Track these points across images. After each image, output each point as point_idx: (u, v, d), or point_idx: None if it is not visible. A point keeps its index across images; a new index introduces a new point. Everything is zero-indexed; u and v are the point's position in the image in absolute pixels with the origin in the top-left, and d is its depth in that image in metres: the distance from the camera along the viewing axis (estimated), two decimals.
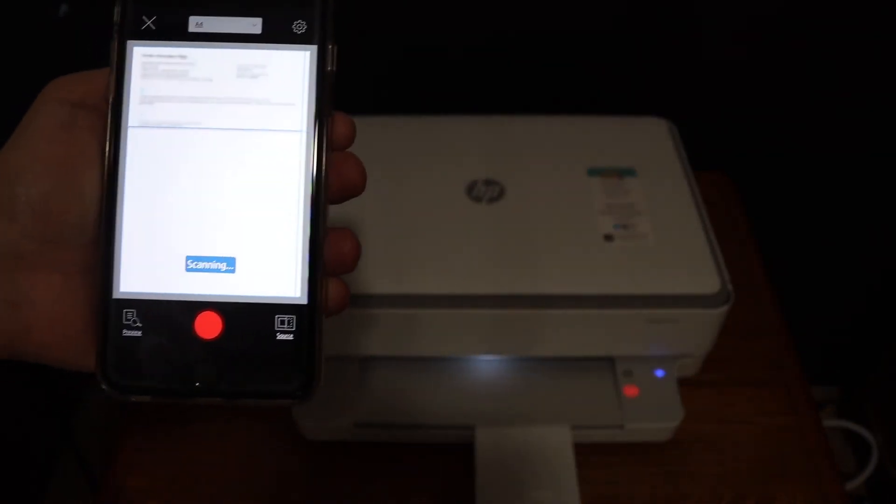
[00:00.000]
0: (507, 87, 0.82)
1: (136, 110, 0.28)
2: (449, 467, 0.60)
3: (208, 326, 0.28)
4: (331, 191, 0.29)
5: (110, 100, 0.28)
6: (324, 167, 0.28)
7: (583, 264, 0.57)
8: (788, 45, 0.78)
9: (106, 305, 0.28)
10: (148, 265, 0.28)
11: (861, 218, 0.92)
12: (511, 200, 0.62)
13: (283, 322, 0.28)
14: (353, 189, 0.29)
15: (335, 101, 0.29)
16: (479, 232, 0.60)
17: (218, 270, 0.28)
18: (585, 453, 0.60)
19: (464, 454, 0.59)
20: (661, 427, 0.60)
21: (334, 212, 0.29)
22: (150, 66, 0.28)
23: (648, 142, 0.68)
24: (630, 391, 0.60)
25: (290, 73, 0.28)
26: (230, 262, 0.28)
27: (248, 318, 0.28)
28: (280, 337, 0.28)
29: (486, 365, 0.63)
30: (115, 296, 0.28)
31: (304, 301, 0.28)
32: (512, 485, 0.57)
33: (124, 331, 0.28)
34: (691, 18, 0.77)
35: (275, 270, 0.28)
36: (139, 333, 0.28)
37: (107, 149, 0.28)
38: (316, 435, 0.61)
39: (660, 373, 0.61)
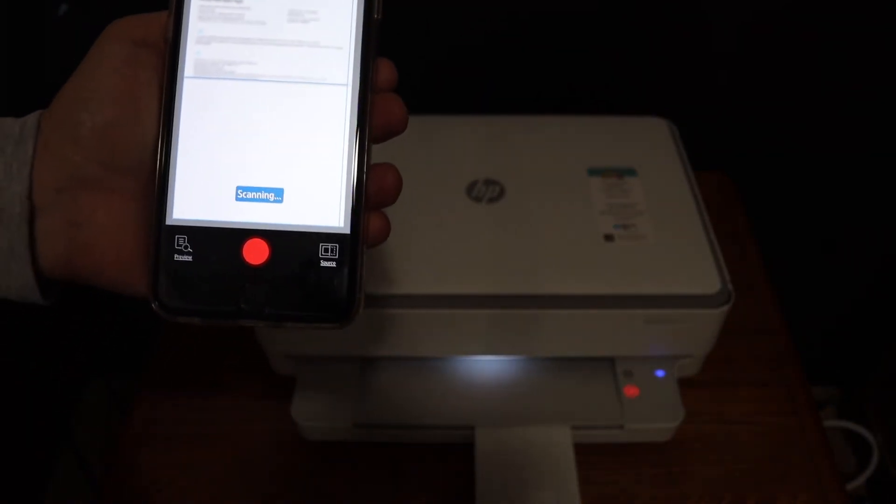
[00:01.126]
0: (508, 86, 0.82)
1: (193, 50, 0.30)
2: (449, 467, 0.60)
3: (256, 253, 0.29)
4: (375, 129, 0.30)
5: (169, 39, 0.30)
6: (368, 106, 0.30)
7: (583, 264, 0.57)
8: (789, 46, 0.78)
9: (159, 231, 0.29)
10: (200, 194, 0.30)
11: (861, 218, 0.92)
12: (511, 200, 0.62)
13: (326, 250, 0.29)
14: (396, 127, 0.31)
15: (380, 48, 0.31)
16: (479, 232, 0.60)
17: (266, 200, 0.30)
18: (585, 453, 0.60)
19: (464, 454, 0.59)
20: (661, 427, 0.60)
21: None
22: (206, 8, 0.30)
23: (648, 142, 0.68)
24: (630, 391, 0.60)
25: (339, 18, 0.30)
26: (278, 193, 0.30)
27: (293, 245, 0.29)
28: (323, 264, 0.29)
29: (486, 365, 0.63)
30: (169, 222, 0.29)
31: (347, 231, 0.30)
32: (512, 485, 0.57)
33: (176, 255, 0.29)
34: (692, 18, 0.77)
35: (320, 202, 0.30)
36: (190, 258, 0.29)
37: (165, 84, 0.30)
38: (316, 435, 0.61)
39: (660, 373, 0.61)
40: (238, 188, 0.30)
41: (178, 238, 0.29)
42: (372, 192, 0.30)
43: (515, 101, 0.82)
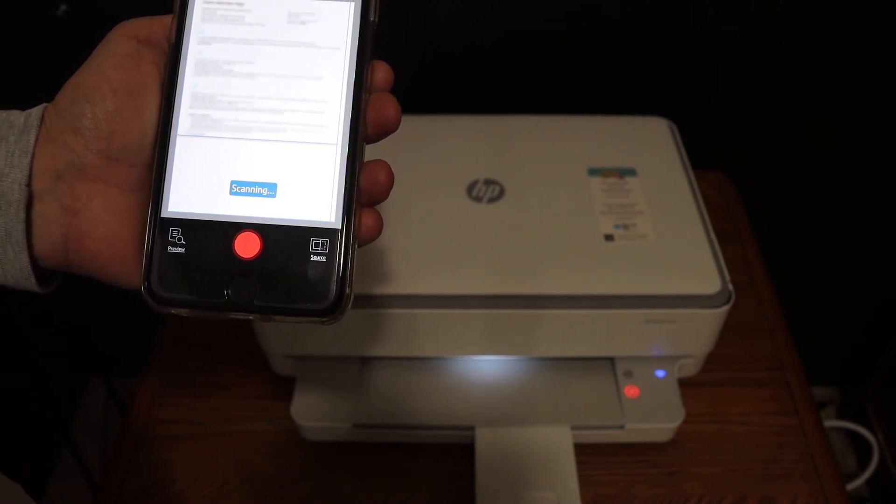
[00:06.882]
0: (508, 87, 0.82)
1: (195, 49, 0.31)
2: (449, 467, 0.60)
3: (247, 246, 0.30)
4: (369, 127, 0.31)
5: (172, 39, 0.31)
6: (362, 104, 0.31)
7: (583, 264, 0.57)
8: (789, 45, 0.78)
9: (154, 223, 0.30)
10: (195, 187, 0.30)
11: (861, 218, 0.92)
12: (511, 200, 0.62)
13: (317, 245, 0.30)
14: (389, 126, 0.32)
15: (375, 50, 0.31)
16: (479, 232, 0.59)
17: (260, 195, 0.30)
18: (586, 453, 0.60)
19: (464, 454, 0.59)
20: (661, 427, 0.60)
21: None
22: (209, 11, 0.31)
23: (648, 142, 0.68)
24: (630, 391, 0.60)
25: (336, 21, 0.31)
26: (272, 188, 0.30)
27: (285, 239, 0.30)
28: (313, 259, 0.30)
29: (486, 365, 0.63)
30: (164, 214, 0.30)
31: (338, 226, 0.30)
32: (512, 485, 0.57)
33: (169, 247, 0.30)
34: (692, 18, 0.77)
35: (313, 197, 0.30)
36: (182, 251, 0.30)
37: (166, 80, 0.31)
38: (316, 435, 0.61)
39: (660, 373, 0.61)
40: (233, 182, 0.30)
41: (171, 230, 0.30)
42: (364, 188, 0.31)
43: (515, 101, 0.82)
